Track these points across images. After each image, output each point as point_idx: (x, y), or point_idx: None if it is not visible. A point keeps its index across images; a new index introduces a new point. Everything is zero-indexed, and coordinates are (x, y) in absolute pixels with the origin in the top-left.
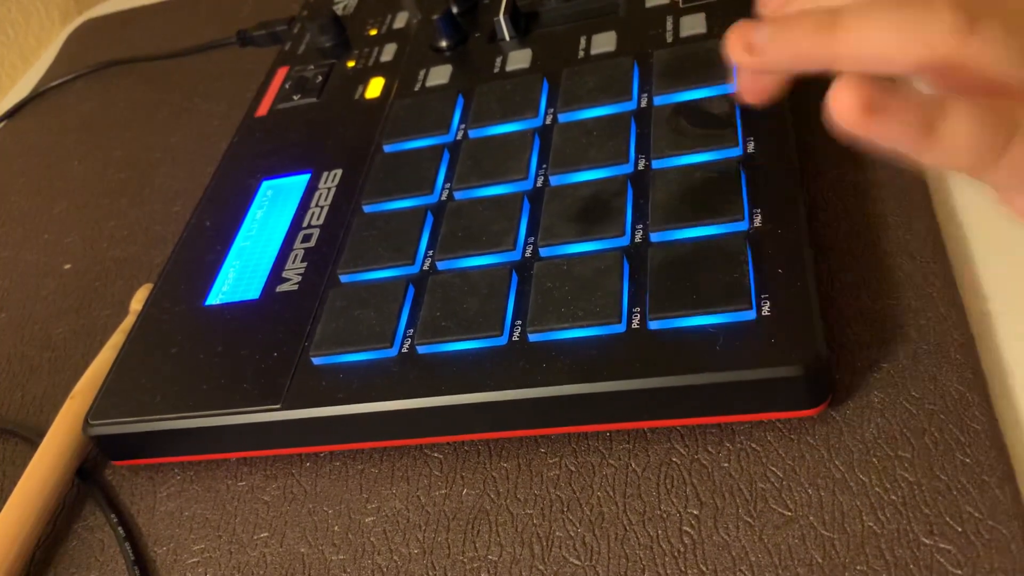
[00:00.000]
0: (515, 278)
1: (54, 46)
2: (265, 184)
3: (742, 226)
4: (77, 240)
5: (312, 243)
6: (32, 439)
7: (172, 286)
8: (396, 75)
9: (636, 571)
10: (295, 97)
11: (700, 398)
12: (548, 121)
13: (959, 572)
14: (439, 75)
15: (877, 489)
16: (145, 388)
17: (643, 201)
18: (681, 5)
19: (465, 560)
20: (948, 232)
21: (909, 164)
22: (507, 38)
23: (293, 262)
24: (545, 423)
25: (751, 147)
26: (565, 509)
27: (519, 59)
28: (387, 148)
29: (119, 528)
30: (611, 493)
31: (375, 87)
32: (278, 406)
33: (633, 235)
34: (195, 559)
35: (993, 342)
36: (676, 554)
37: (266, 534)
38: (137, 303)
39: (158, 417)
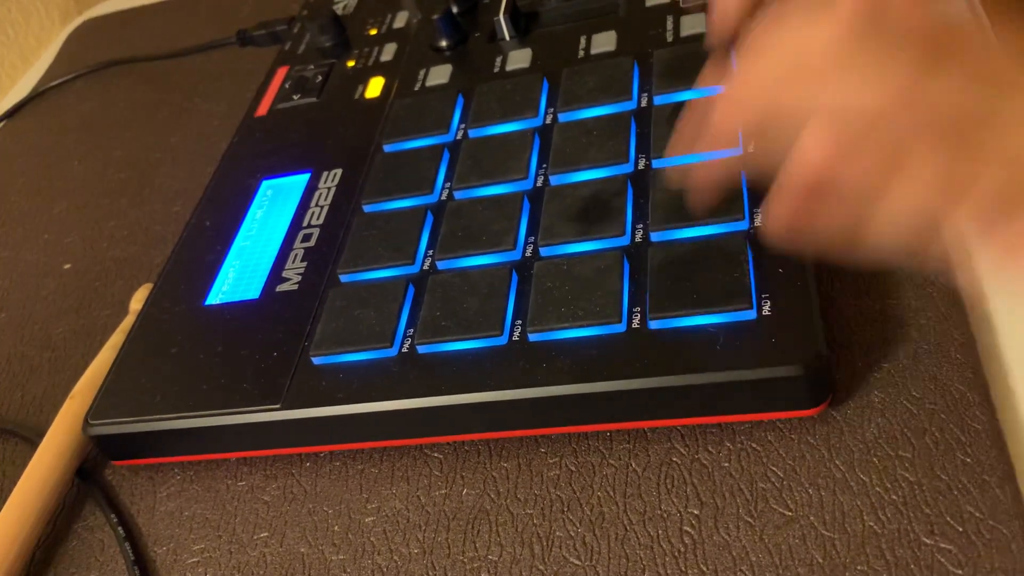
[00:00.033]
0: (515, 278)
1: (54, 46)
2: (265, 184)
3: (742, 225)
4: (77, 240)
5: (312, 243)
6: (32, 439)
7: (172, 286)
8: (396, 75)
9: (636, 571)
10: (295, 97)
11: (700, 398)
12: (548, 121)
13: (960, 572)
14: (439, 75)
15: (878, 489)
16: (145, 388)
17: (643, 201)
18: (681, 5)
19: (465, 560)
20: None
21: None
22: (507, 38)
23: (293, 262)
24: (545, 423)
25: (751, 146)
26: (565, 509)
27: (519, 59)
28: (387, 148)
29: (119, 528)
30: (611, 493)
31: (375, 87)
32: (278, 406)
33: (633, 235)
34: (195, 559)
35: (993, 342)
36: (676, 554)
37: (266, 534)
38: (137, 303)
39: (158, 417)
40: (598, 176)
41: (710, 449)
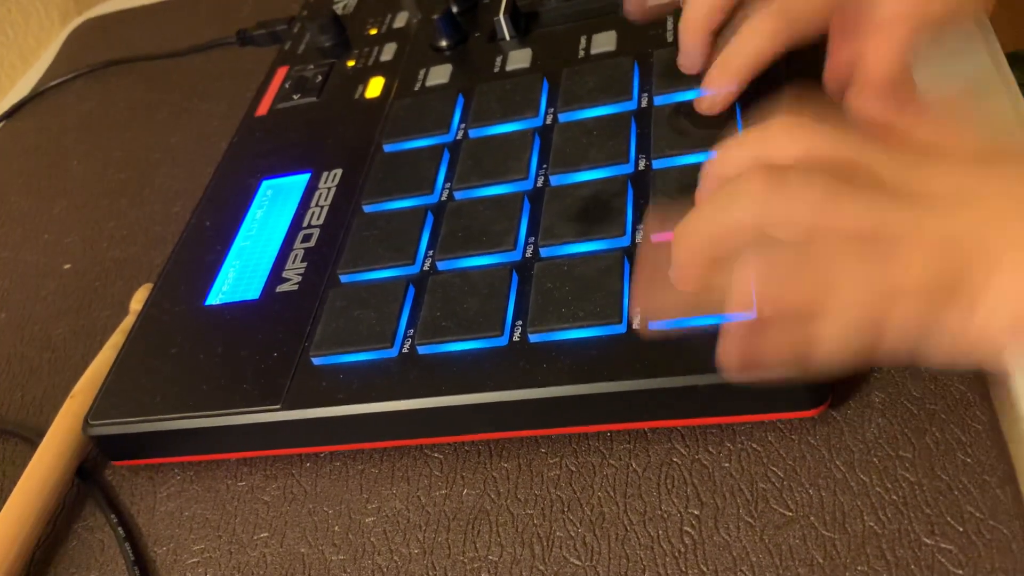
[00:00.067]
0: (515, 278)
1: (54, 46)
2: (265, 184)
3: None
4: (77, 240)
5: (312, 243)
6: (32, 439)
7: (172, 286)
8: (396, 75)
9: (637, 571)
10: (295, 97)
11: (701, 398)
12: (548, 121)
13: (960, 572)
14: (439, 75)
15: (878, 489)
16: (145, 388)
17: (644, 201)
18: (681, 5)
19: (465, 560)
20: None
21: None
22: (507, 38)
23: (293, 262)
24: (546, 423)
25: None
26: (566, 509)
27: (519, 59)
28: (387, 148)
29: (119, 528)
30: (612, 493)
31: (375, 87)
32: (278, 406)
33: (634, 235)
34: (195, 559)
35: (991, 369)
36: (677, 554)
37: (266, 534)
38: (137, 303)
39: (158, 417)
40: (598, 176)
41: (710, 449)
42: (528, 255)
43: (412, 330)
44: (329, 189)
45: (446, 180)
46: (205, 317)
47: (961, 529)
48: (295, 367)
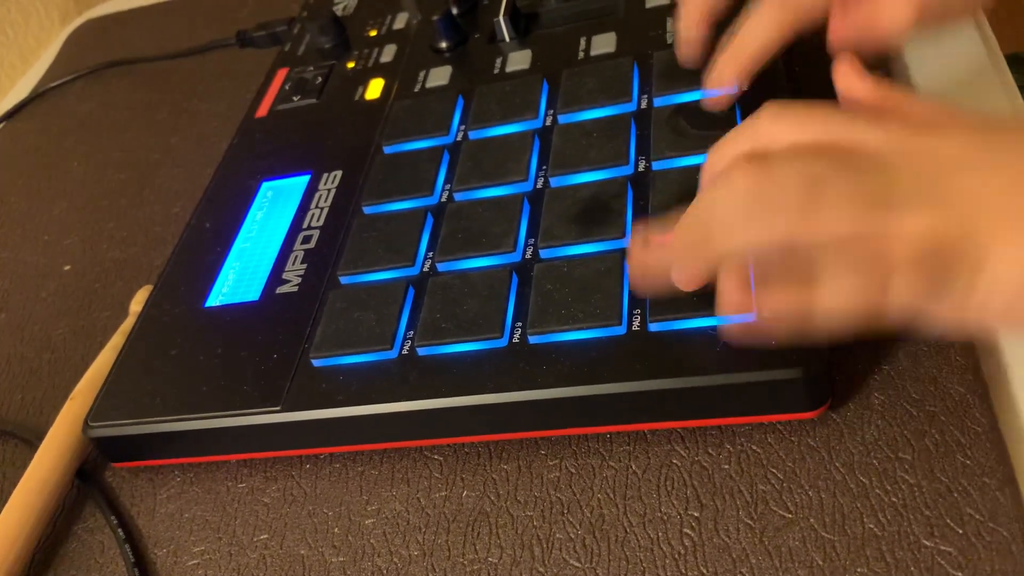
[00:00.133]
0: (515, 280)
1: (54, 47)
2: (265, 185)
3: None
4: (77, 241)
5: (312, 244)
6: (32, 441)
7: (172, 288)
8: (396, 76)
9: (636, 573)
10: (295, 98)
11: (700, 400)
12: (548, 122)
13: (960, 574)
14: (439, 76)
15: (878, 491)
16: (145, 390)
17: (643, 203)
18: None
19: (465, 562)
20: None
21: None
22: (507, 39)
23: (293, 263)
24: (545, 425)
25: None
26: (565, 511)
27: (519, 60)
28: (387, 149)
29: (119, 530)
30: (611, 495)
31: (375, 88)
32: (278, 408)
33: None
34: (195, 561)
35: (994, 344)
36: (676, 556)
37: (266, 536)
38: (137, 304)
39: (158, 419)
40: (598, 178)
41: (710, 451)
42: (528, 256)
43: (412, 331)
44: (329, 190)
45: (446, 181)
46: (205, 318)
47: (961, 531)
48: (295, 368)
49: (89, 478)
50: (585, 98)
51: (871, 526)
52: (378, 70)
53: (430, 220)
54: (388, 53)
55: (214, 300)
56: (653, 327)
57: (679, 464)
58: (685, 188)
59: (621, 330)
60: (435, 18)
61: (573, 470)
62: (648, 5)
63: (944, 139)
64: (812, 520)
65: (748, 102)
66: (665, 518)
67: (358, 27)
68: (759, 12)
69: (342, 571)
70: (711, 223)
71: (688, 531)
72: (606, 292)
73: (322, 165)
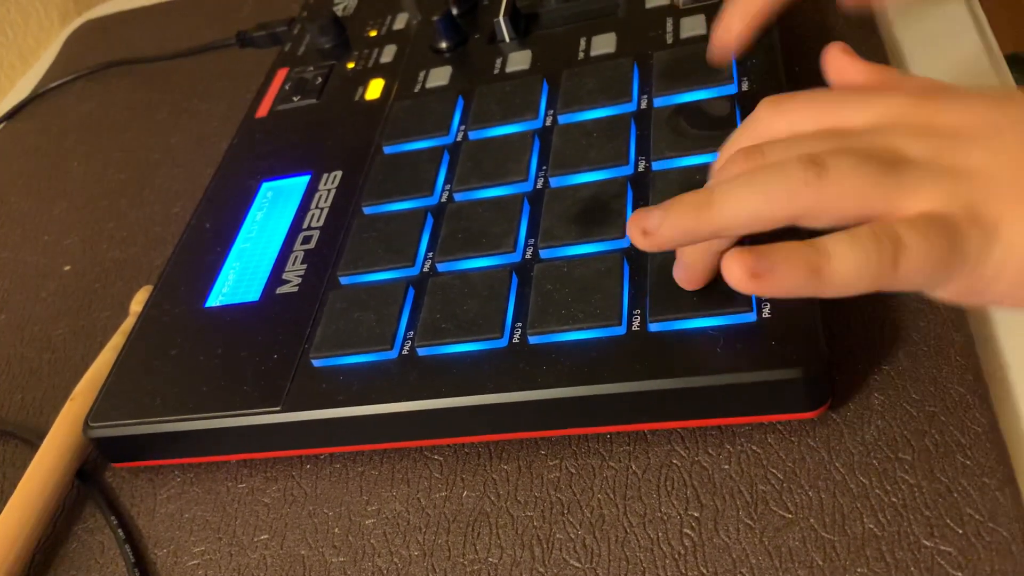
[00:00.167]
0: (515, 280)
1: (53, 47)
2: (265, 185)
3: None
4: (77, 241)
5: (312, 245)
6: (32, 441)
7: (172, 288)
8: (396, 76)
9: (636, 573)
10: (295, 98)
11: (700, 400)
12: (548, 123)
13: (959, 574)
14: (439, 76)
15: (877, 491)
16: (145, 390)
17: (643, 203)
18: (681, 6)
19: (465, 562)
20: None
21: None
22: (507, 39)
23: (293, 264)
24: (545, 425)
25: None
26: (565, 511)
27: (519, 60)
28: (387, 149)
29: (119, 530)
30: (611, 495)
31: (375, 88)
32: (278, 408)
33: None
34: (195, 561)
35: (994, 344)
36: (676, 556)
37: (266, 536)
38: (137, 305)
39: (158, 419)
40: (598, 178)
41: (710, 451)
42: (528, 257)
43: (412, 332)
44: (329, 191)
45: (446, 182)
46: (205, 319)
47: (961, 531)
48: (295, 369)
49: (89, 478)
50: (585, 98)
51: (871, 526)
52: (378, 70)
53: (430, 220)
54: (388, 53)
55: (214, 300)
56: (653, 327)
57: (679, 464)
58: (685, 188)
59: (621, 330)
60: (435, 18)
61: (573, 470)
62: (648, 5)
63: (948, 110)
64: (812, 520)
65: (748, 102)
66: (665, 518)
67: (358, 27)
68: None
69: (342, 571)
70: (714, 189)
71: (688, 531)
72: (606, 292)
73: (322, 165)
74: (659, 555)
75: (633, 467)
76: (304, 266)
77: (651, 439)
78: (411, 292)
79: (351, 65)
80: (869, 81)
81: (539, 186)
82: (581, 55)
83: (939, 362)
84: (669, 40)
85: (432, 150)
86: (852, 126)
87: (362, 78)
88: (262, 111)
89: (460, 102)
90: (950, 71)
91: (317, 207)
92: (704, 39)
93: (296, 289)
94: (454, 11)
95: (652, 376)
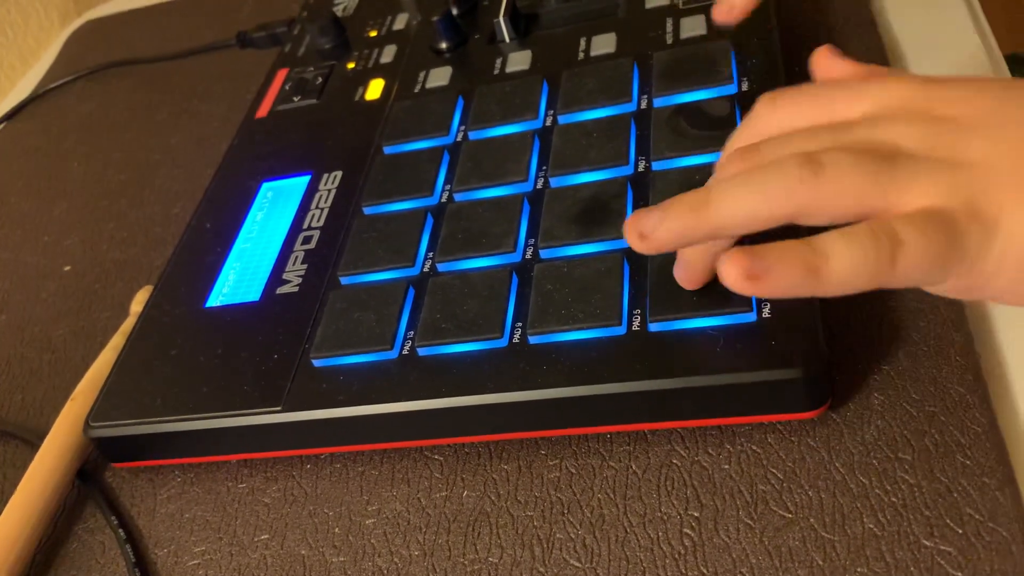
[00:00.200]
0: (515, 280)
1: (54, 47)
2: (265, 186)
3: None
4: (77, 242)
5: (312, 245)
6: (33, 441)
7: (172, 288)
8: (396, 77)
9: (637, 573)
10: (295, 99)
11: (700, 400)
12: (548, 123)
13: (959, 574)
14: (439, 77)
15: (877, 491)
16: (145, 390)
17: (643, 203)
18: (681, 6)
19: (466, 562)
20: None
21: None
22: (507, 40)
23: (293, 264)
24: (545, 425)
25: None
26: (566, 511)
27: (519, 61)
28: (387, 150)
29: (120, 530)
30: (611, 495)
31: (375, 89)
32: (279, 408)
33: None
34: (196, 561)
35: (993, 344)
36: (677, 556)
37: (267, 536)
38: (137, 305)
39: (159, 419)
40: (598, 178)
41: (710, 451)
42: (528, 257)
43: (412, 332)
44: (329, 191)
45: (446, 182)
46: (205, 319)
47: (960, 531)
48: (295, 369)
49: (90, 478)
50: (585, 98)
51: (871, 526)
52: (378, 71)
53: (430, 220)
54: (388, 54)
55: (214, 300)
56: (653, 327)
57: (679, 464)
58: (685, 188)
59: (621, 330)
60: (435, 19)
61: (573, 470)
62: (648, 5)
63: (947, 99)
64: (812, 520)
65: (748, 102)
66: (665, 518)
67: (358, 28)
68: None
69: (343, 571)
70: (709, 190)
71: (688, 531)
72: (606, 292)
73: (322, 166)
74: (659, 555)
75: (633, 467)
76: (304, 266)
77: (651, 439)
78: (411, 292)
79: (351, 65)
80: (856, 79)
81: (539, 186)
82: (581, 55)
83: (939, 362)
84: (669, 40)
85: (432, 150)
86: (851, 118)
87: (362, 78)
88: (262, 111)
89: (460, 102)
90: (949, 71)
91: (317, 207)
92: (704, 39)
93: (296, 289)
94: (454, 11)
95: (652, 376)
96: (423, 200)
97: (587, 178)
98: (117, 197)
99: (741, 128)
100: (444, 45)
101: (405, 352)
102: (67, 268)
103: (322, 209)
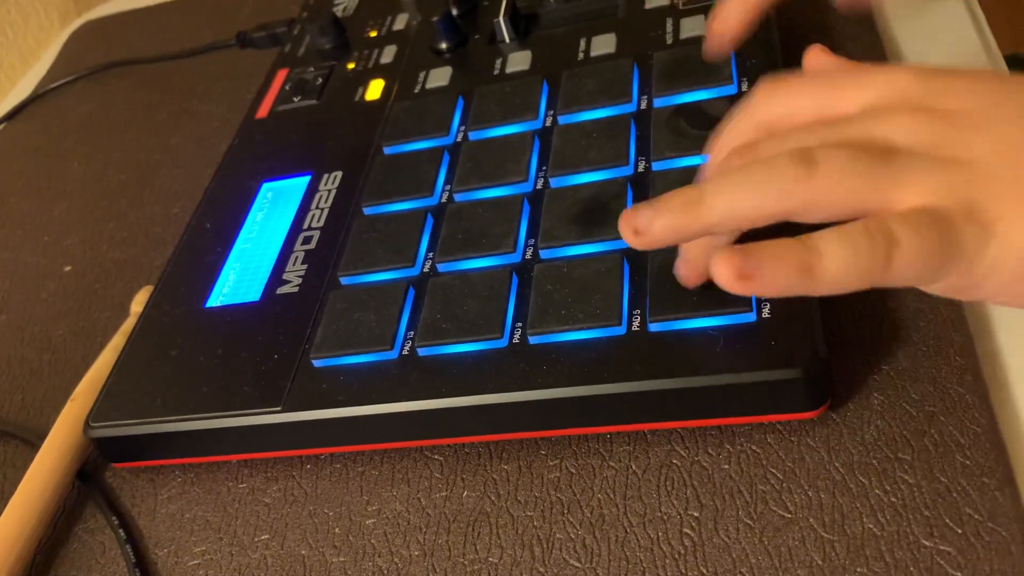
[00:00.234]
0: (515, 280)
1: (54, 48)
2: (265, 186)
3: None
4: (77, 242)
5: (312, 245)
6: (33, 441)
7: (172, 288)
8: (396, 77)
9: (636, 573)
10: (295, 99)
11: (700, 400)
12: (548, 123)
13: (959, 574)
14: (439, 77)
15: (877, 491)
16: (146, 390)
17: None
18: (681, 7)
19: (466, 562)
20: None
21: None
22: (507, 40)
23: (293, 264)
24: (545, 425)
25: None
26: (565, 511)
27: (519, 61)
28: (387, 150)
29: (120, 530)
30: (611, 495)
31: (375, 89)
32: (279, 408)
33: None
34: (196, 561)
35: (993, 344)
36: (676, 556)
37: (267, 536)
38: (137, 305)
39: (159, 419)
40: (598, 179)
41: (710, 451)
42: (528, 257)
43: (412, 332)
44: (329, 191)
45: (446, 182)
46: (205, 319)
47: (960, 531)
48: (295, 369)
49: (90, 479)
50: (585, 99)
51: (870, 526)
52: (378, 71)
53: (430, 221)
54: (388, 54)
55: (215, 301)
56: (653, 327)
57: (679, 464)
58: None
59: (621, 330)
60: (435, 19)
61: (573, 470)
62: (648, 6)
63: (951, 92)
64: (812, 520)
65: None
66: (665, 518)
67: (358, 28)
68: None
69: (343, 571)
70: (704, 187)
71: (688, 531)
72: (606, 292)
73: (322, 166)
74: (659, 555)
75: (633, 467)
76: (304, 266)
77: (651, 439)
78: (411, 292)
79: (351, 66)
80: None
81: (539, 186)
82: (581, 55)
83: (938, 362)
84: (669, 40)
85: (432, 150)
86: (850, 109)
87: (362, 79)
88: (262, 112)
89: (460, 103)
90: None
91: (317, 207)
92: (703, 40)
93: (296, 289)
94: (454, 12)
95: (652, 376)
96: (423, 200)
97: (587, 178)
98: (117, 197)
99: (739, 113)
100: (444, 45)
101: (405, 352)
102: (67, 268)
103: (322, 209)
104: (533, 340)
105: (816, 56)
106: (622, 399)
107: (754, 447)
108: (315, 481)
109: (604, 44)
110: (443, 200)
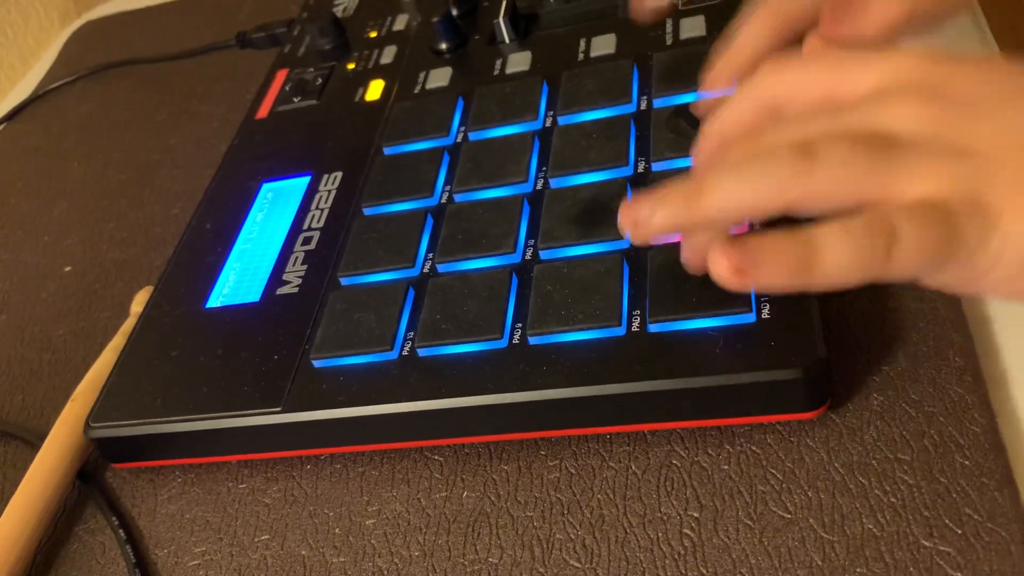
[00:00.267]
0: (515, 281)
1: (54, 48)
2: (265, 186)
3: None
4: (77, 242)
5: (312, 246)
6: (33, 442)
7: (172, 288)
8: (396, 77)
9: (636, 573)
10: (295, 99)
11: (700, 401)
12: (548, 123)
13: (958, 574)
14: (439, 77)
15: (876, 491)
16: (146, 391)
17: None
18: (681, 7)
19: (466, 563)
20: None
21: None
22: (507, 40)
23: (293, 265)
24: (545, 426)
25: None
26: (565, 511)
27: (519, 61)
28: (387, 150)
29: (120, 531)
30: (611, 496)
31: (375, 89)
32: (279, 409)
33: None
34: (196, 561)
35: (993, 345)
36: (676, 556)
37: (267, 536)
38: (137, 305)
39: (159, 420)
40: (598, 179)
41: (710, 452)
42: (528, 258)
43: (412, 332)
44: (329, 192)
45: (446, 183)
46: (206, 320)
47: (959, 532)
48: (296, 369)
49: (90, 479)
50: (585, 99)
51: (870, 526)
52: (378, 71)
53: (430, 221)
54: (388, 54)
55: (215, 301)
56: (653, 328)
57: (679, 464)
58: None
59: (621, 331)
60: (435, 20)
61: (573, 471)
62: (647, 6)
63: (961, 75)
64: (811, 520)
65: None
66: (665, 518)
67: (358, 28)
68: (754, 18)
69: (343, 571)
70: (704, 179)
71: (688, 531)
72: (606, 293)
73: (322, 166)
74: (659, 555)
75: (633, 467)
76: (304, 267)
77: (651, 439)
78: (411, 293)
79: (351, 66)
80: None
81: (539, 187)
82: (581, 56)
83: (938, 363)
84: (669, 41)
85: (432, 151)
86: (855, 91)
87: (362, 79)
88: (262, 112)
89: (460, 103)
90: None
91: (317, 208)
92: (704, 40)
93: (296, 290)
94: (454, 12)
95: (652, 377)
96: (423, 201)
97: (587, 179)
98: (117, 197)
99: (741, 89)
100: (444, 46)
101: (405, 353)
102: (67, 268)
103: (322, 210)
104: (533, 341)
105: (815, 48)
106: (622, 399)
107: (754, 447)
108: (315, 481)
109: (604, 44)
110: (443, 201)
